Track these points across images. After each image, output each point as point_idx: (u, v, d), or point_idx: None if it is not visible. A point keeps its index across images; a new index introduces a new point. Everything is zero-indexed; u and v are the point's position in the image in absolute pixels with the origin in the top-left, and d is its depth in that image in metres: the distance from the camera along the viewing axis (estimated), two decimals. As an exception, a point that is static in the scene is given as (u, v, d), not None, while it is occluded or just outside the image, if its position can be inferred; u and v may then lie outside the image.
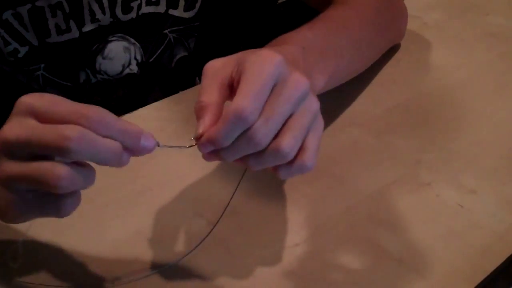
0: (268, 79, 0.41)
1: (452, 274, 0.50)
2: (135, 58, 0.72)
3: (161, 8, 0.70)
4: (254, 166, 0.44)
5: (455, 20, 0.86)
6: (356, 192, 0.57)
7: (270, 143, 0.42)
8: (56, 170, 0.38)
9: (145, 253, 0.50)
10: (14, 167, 0.38)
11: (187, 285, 0.48)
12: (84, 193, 0.57)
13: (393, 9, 0.72)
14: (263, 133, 0.41)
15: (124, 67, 0.71)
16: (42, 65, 0.67)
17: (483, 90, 0.72)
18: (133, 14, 0.68)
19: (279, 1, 0.97)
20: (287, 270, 0.50)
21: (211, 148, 0.43)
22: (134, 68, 0.72)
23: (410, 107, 0.68)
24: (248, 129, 0.41)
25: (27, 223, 0.44)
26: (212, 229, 0.52)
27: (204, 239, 0.51)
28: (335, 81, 0.61)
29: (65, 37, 0.65)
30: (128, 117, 0.64)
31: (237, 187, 0.55)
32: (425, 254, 0.51)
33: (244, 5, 0.84)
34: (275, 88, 0.42)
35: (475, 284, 0.49)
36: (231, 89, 0.44)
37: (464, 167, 0.60)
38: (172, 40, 0.74)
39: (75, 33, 0.65)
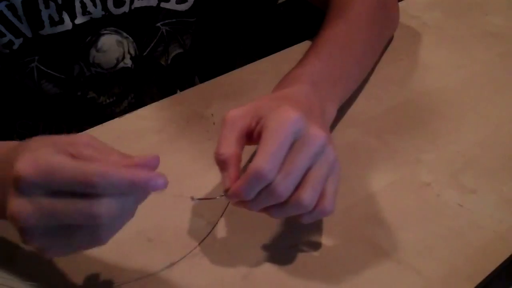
0: (287, 139, 0.45)
1: (452, 274, 0.50)
2: (129, 52, 0.72)
3: (153, 2, 0.70)
4: (277, 215, 0.48)
5: (455, 20, 0.86)
6: (356, 192, 0.57)
7: (292, 195, 0.45)
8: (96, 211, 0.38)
9: (145, 253, 0.50)
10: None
11: (187, 285, 0.48)
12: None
13: (384, 6, 0.72)
14: (283, 187, 0.45)
15: (118, 61, 0.71)
16: (37, 57, 0.67)
17: (483, 90, 0.72)
18: (125, 8, 0.68)
19: (279, 1, 0.97)
20: (287, 270, 0.50)
21: (237, 199, 0.46)
22: (128, 62, 0.72)
23: (410, 107, 0.68)
24: (269, 184, 0.45)
25: None
26: (212, 229, 0.52)
27: (204, 239, 0.51)
28: (345, 100, 0.64)
29: (59, 29, 0.66)
30: (128, 117, 0.64)
31: (237, 187, 0.55)
32: (425, 254, 0.51)
33: (243, 5, 0.84)
34: (294, 144, 0.45)
35: (475, 284, 0.49)
36: (249, 137, 0.48)
37: (464, 167, 0.60)
38: (165, 34, 0.74)
39: (68, 25, 0.66)
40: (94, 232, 0.39)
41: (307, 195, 0.45)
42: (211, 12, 0.77)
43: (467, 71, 0.75)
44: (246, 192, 0.45)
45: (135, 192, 0.39)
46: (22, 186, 0.38)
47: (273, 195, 0.45)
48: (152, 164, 0.41)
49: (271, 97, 0.52)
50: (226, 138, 0.48)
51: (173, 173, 0.58)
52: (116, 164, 0.39)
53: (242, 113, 0.48)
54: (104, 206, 0.38)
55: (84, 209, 0.38)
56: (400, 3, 0.86)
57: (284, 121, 0.45)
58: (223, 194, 0.47)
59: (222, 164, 0.47)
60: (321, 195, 0.47)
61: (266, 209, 0.47)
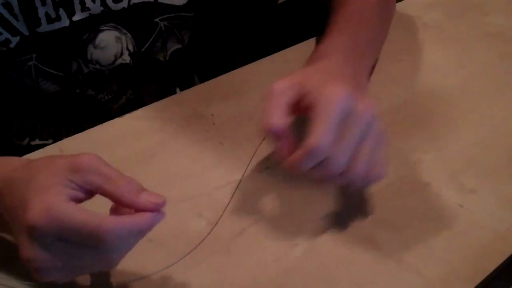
0: (340, 115, 0.48)
1: (452, 274, 0.50)
2: (127, 48, 0.72)
3: None
4: (331, 184, 0.53)
5: (455, 20, 0.86)
6: (356, 192, 0.57)
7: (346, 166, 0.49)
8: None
9: (145, 253, 0.50)
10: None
11: (187, 285, 0.48)
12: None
13: None
14: (339, 161, 0.48)
15: (116, 57, 0.71)
16: (34, 55, 0.67)
17: (483, 90, 0.72)
18: (124, 4, 0.68)
19: (279, 1, 0.97)
20: (287, 270, 0.50)
21: (293, 171, 0.49)
22: (126, 58, 0.72)
23: (410, 107, 0.68)
24: (325, 158, 0.48)
25: None
26: (212, 229, 0.52)
27: (204, 239, 0.51)
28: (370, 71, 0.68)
29: (56, 26, 0.65)
30: (128, 117, 0.64)
31: (237, 187, 0.55)
32: (425, 254, 0.51)
33: (242, 4, 0.84)
34: (346, 120, 0.48)
35: (475, 284, 0.49)
36: (294, 107, 0.50)
37: (464, 167, 0.60)
38: (163, 29, 0.74)
39: (65, 22, 0.66)
40: (106, 265, 0.43)
41: (361, 167, 0.49)
42: (209, 6, 0.77)
43: (467, 71, 0.75)
44: (303, 165, 0.48)
45: (139, 235, 0.42)
46: (35, 235, 0.40)
47: (329, 168, 0.48)
48: (159, 204, 0.43)
49: (313, 71, 0.55)
50: (276, 109, 0.50)
51: (173, 173, 0.58)
52: (125, 195, 0.42)
53: (288, 85, 0.51)
54: (115, 254, 0.41)
55: (95, 254, 0.41)
56: (400, 3, 0.86)
57: (336, 98, 0.48)
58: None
59: (275, 135, 0.49)
60: (373, 163, 0.50)
61: (320, 180, 0.50)
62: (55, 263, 0.40)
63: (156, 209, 0.42)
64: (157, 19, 0.73)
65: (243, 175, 0.57)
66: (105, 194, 0.42)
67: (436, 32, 0.82)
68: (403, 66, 0.75)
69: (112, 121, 0.64)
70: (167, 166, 0.59)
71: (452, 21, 0.85)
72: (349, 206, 0.55)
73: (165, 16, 0.73)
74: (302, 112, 0.51)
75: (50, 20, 0.65)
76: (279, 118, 0.49)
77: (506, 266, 0.51)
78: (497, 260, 0.51)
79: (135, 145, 0.61)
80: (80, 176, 0.41)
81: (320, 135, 0.47)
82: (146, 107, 0.66)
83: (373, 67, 0.70)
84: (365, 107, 0.49)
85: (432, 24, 0.84)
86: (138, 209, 0.42)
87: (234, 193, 0.55)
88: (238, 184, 0.56)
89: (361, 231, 0.53)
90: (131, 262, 0.49)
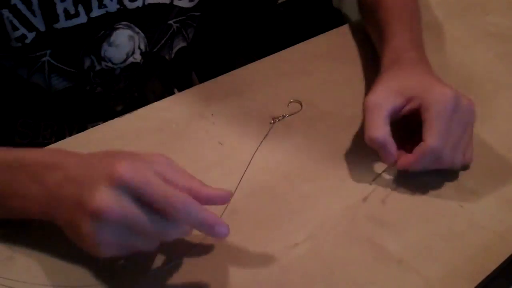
0: (451, 117, 0.54)
1: (452, 274, 0.50)
2: (139, 48, 0.72)
3: None
4: (431, 169, 0.57)
5: (455, 20, 0.86)
6: (356, 192, 0.57)
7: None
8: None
9: (145, 253, 0.50)
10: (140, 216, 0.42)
11: (187, 285, 0.48)
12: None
13: None
14: (450, 158, 0.55)
15: (128, 56, 0.72)
16: (48, 51, 0.67)
17: (483, 90, 0.72)
18: (139, 3, 0.69)
19: (279, 1, 0.97)
20: (287, 270, 0.50)
21: (406, 170, 0.56)
22: (137, 57, 0.72)
23: (410, 107, 0.68)
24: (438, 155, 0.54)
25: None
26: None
27: (204, 239, 0.51)
28: None
29: (73, 22, 0.65)
30: (128, 117, 0.64)
31: (237, 187, 0.55)
32: (425, 254, 0.51)
33: (244, 3, 0.84)
34: (454, 118, 0.55)
35: (475, 284, 0.49)
36: (394, 115, 0.57)
37: (464, 167, 0.60)
38: (176, 30, 0.75)
39: (83, 18, 0.66)
40: (154, 243, 0.44)
41: (459, 158, 0.56)
42: (216, 6, 0.77)
43: (468, 71, 0.75)
44: (419, 165, 0.55)
45: (198, 228, 0.44)
46: (118, 183, 0.41)
47: (441, 164, 0.55)
48: (224, 198, 0.46)
49: (403, 76, 0.60)
50: (374, 122, 0.55)
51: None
52: (197, 193, 0.45)
53: (384, 96, 0.57)
54: (176, 231, 0.44)
55: (159, 227, 0.42)
56: (400, 3, 0.85)
57: (445, 100, 0.55)
58: (384, 170, 0.58)
59: (379, 146, 0.55)
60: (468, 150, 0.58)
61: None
62: (119, 220, 0.41)
63: (227, 198, 0.46)
64: (171, 21, 0.73)
65: (243, 175, 0.57)
66: (184, 184, 0.44)
67: (436, 32, 0.82)
68: (403, 66, 0.75)
69: (112, 120, 0.64)
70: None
71: (452, 21, 0.85)
72: (349, 206, 0.55)
73: (178, 18, 0.74)
74: (406, 116, 0.57)
75: (68, 16, 0.65)
76: (377, 129, 0.55)
77: (506, 266, 0.51)
78: (497, 260, 0.51)
79: (135, 145, 0.61)
80: (159, 166, 0.44)
81: (436, 137, 0.53)
82: (146, 107, 0.66)
83: None
84: (468, 102, 0.56)
85: (432, 24, 0.84)
86: (212, 197, 0.45)
87: (234, 191, 0.55)
88: (238, 184, 0.56)
89: (361, 231, 0.53)
90: (131, 262, 0.49)
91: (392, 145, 0.55)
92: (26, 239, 0.51)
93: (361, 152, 0.62)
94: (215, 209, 0.54)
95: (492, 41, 0.81)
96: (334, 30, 0.81)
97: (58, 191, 0.45)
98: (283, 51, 0.76)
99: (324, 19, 0.76)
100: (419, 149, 0.54)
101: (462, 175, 0.59)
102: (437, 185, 0.58)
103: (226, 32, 0.89)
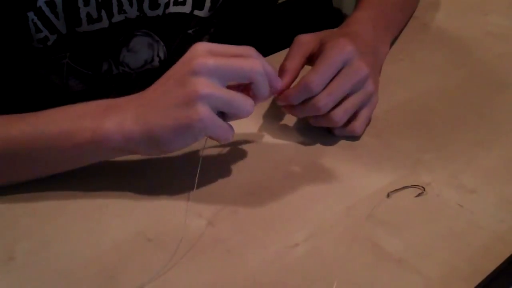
0: (337, 63, 0.57)
1: (452, 274, 0.50)
2: (158, 55, 0.73)
3: (187, 9, 0.71)
4: (314, 124, 0.61)
5: (455, 20, 0.86)
6: (356, 192, 0.57)
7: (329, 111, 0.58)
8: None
9: (145, 253, 0.50)
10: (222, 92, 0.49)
11: (187, 285, 0.48)
12: (85, 193, 0.57)
13: None
14: (323, 102, 0.57)
15: (146, 63, 0.72)
16: (68, 54, 0.67)
17: (483, 90, 0.72)
18: (159, 12, 0.69)
19: (279, 1, 0.97)
20: (287, 270, 0.50)
21: (284, 103, 0.59)
22: (156, 65, 0.73)
23: (410, 107, 0.68)
24: (313, 97, 0.57)
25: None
26: (208, 228, 0.52)
27: (202, 236, 0.51)
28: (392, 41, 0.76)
29: (95, 26, 0.66)
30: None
31: (236, 187, 0.55)
32: (425, 254, 0.51)
33: (246, 5, 0.84)
34: (342, 70, 0.57)
35: (475, 284, 0.49)
36: (310, 59, 0.61)
37: (464, 167, 0.60)
38: (192, 37, 0.75)
39: (105, 23, 0.66)
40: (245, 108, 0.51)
41: (339, 114, 0.58)
42: (231, 13, 0.78)
43: (467, 71, 0.75)
44: (293, 97, 0.58)
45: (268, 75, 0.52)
46: (204, 70, 0.49)
47: (314, 107, 0.57)
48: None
49: (338, 31, 0.64)
50: (292, 55, 0.60)
51: (173, 172, 0.58)
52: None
53: (309, 39, 0.61)
54: (252, 103, 0.51)
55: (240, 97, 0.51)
56: (400, 3, 0.85)
57: (338, 50, 0.57)
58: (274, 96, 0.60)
59: (282, 73, 0.59)
60: (354, 118, 0.60)
61: (307, 117, 0.61)
62: (213, 93, 0.48)
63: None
64: (190, 31, 0.73)
65: (243, 175, 0.57)
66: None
67: (436, 32, 0.82)
68: (403, 66, 0.75)
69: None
70: (166, 166, 0.59)
71: (452, 21, 0.85)
72: (349, 206, 0.55)
73: (197, 28, 0.74)
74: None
75: (91, 21, 0.65)
76: (291, 62, 0.59)
77: (506, 266, 0.51)
78: (497, 260, 0.51)
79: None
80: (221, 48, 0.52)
81: (314, 75, 0.56)
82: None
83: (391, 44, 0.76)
84: (363, 66, 0.58)
85: (432, 24, 0.84)
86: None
87: (234, 191, 0.55)
88: (238, 183, 0.56)
89: (361, 231, 0.53)
90: (131, 262, 0.49)
91: (289, 78, 0.58)
92: (26, 239, 0.51)
93: (359, 153, 0.62)
94: (213, 208, 0.54)
95: (492, 41, 0.81)
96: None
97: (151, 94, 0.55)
98: (283, 51, 0.75)
99: (324, 19, 0.76)
100: (298, 83, 0.57)
101: (462, 175, 0.59)
102: (437, 185, 0.58)
103: (236, 36, 0.89)
